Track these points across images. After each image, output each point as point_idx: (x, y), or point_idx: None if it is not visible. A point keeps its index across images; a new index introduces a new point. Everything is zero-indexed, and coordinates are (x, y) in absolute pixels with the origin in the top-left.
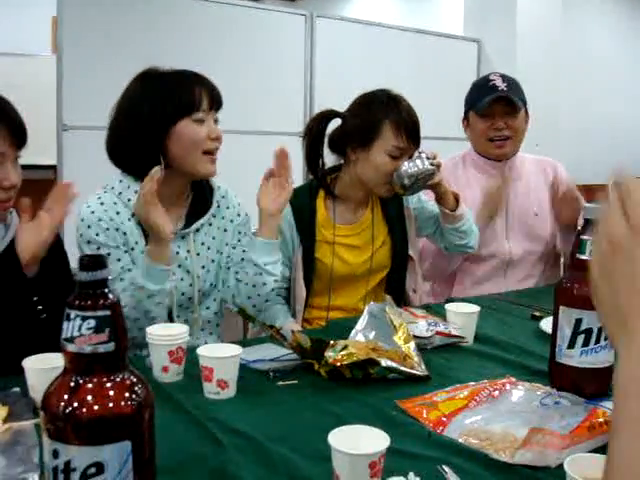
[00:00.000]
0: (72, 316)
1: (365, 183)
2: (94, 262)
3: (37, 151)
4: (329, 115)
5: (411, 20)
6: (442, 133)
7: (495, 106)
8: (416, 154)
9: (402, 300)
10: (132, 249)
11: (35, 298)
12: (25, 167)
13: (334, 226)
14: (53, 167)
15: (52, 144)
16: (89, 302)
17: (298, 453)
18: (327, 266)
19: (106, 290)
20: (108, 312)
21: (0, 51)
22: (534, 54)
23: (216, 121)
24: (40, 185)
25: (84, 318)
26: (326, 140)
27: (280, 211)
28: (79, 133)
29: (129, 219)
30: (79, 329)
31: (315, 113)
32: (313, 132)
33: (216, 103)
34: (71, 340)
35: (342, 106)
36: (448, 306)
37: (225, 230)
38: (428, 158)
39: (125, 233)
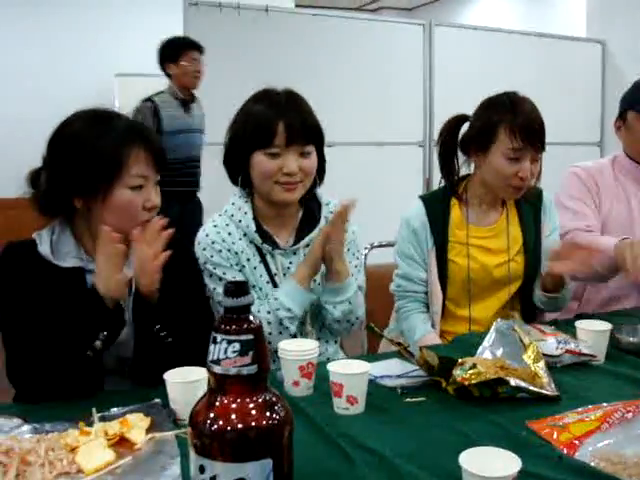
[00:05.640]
0: (218, 339)
1: (489, 186)
2: (238, 289)
3: None
4: (459, 119)
5: (531, 23)
6: (567, 138)
7: None
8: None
9: (534, 314)
10: (243, 266)
11: (157, 326)
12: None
13: (467, 227)
14: None
15: None
16: (234, 327)
17: (427, 471)
18: (461, 267)
19: (249, 315)
20: (251, 336)
21: (131, 72)
22: None
23: (305, 154)
24: None
25: (229, 342)
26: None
27: (331, 257)
28: (206, 149)
29: (240, 239)
30: (225, 352)
31: (447, 120)
32: (443, 138)
33: (299, 137)
34: (217, 362)
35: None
36: (578, 323)
37: None
38: None
39: (237, 253)
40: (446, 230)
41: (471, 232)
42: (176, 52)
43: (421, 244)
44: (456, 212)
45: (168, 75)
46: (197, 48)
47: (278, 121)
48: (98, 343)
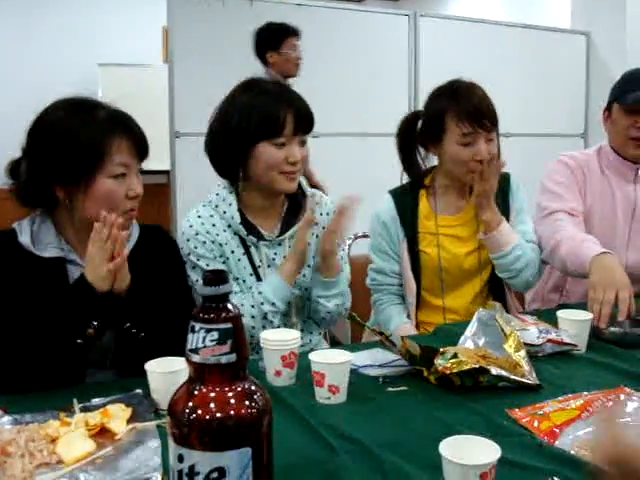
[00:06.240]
0: (197, 328)
1: (452, 174)
2: (216, 277)
3: (151, 157)
4: (415, 115)
5: (516, 15)
6: (551, 130)
7: None
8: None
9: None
10: (227, 258)
11: (127, 324)
12: (140, 172)
13: (436, 217)
14: (166, 172)
15: (165, 150)
16: (212, 315)
17: (408, 461)
18: (432, 257)
19: (228, 304)
20: (230, 325)
21: (115, 62)
22: None
23: (303, 143)
24: (154, 189)
25: (208, 330)
26: None
27: (332, 252)
28: (191, 139)
29: (224, 230)
30: (203, 341)
31: (404, 117)
32: (402, 135)
33: (304, 127)
34: (196, 351)
35: None
36: (560, 313)
37: (317, 237)
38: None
39: (221, 244)
40: (415, 222)
41: (440, 222)
42: (278, 39)
43: (392, 237)
44: (424, 203)
45: (265, 63)
46: (296, 34)
47: (287, 111)
48: (91, 331)
